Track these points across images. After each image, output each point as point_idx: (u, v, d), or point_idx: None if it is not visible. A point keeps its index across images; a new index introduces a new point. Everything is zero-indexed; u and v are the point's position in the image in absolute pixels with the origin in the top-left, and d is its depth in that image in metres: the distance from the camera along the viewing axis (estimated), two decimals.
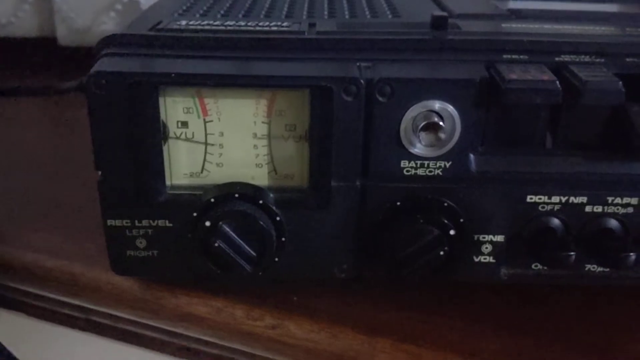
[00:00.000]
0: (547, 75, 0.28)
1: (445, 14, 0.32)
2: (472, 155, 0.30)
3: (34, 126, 0.56)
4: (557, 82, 0.27)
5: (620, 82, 0.28)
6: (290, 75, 0.28)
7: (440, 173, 0.30)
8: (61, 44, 0.71)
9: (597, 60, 0.30)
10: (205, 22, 0.33)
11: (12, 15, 0.71)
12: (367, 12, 0.37)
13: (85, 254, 0.35)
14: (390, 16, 0.36)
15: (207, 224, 0.29)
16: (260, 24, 0.33)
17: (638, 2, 0.46)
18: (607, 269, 0.31)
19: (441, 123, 0.28)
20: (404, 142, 0.29)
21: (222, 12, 0.37)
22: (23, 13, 0.72)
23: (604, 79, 0.28)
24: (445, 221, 0.30)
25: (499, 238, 0.31)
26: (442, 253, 0.29)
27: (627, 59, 0.30)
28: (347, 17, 0.36)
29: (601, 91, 0.27)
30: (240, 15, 0.36)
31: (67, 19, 0.70)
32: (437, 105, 0.28)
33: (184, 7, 0.38)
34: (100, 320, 0.38)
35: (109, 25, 0.69)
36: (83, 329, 0.39)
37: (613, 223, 0.31)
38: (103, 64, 0.28)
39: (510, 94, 0.27)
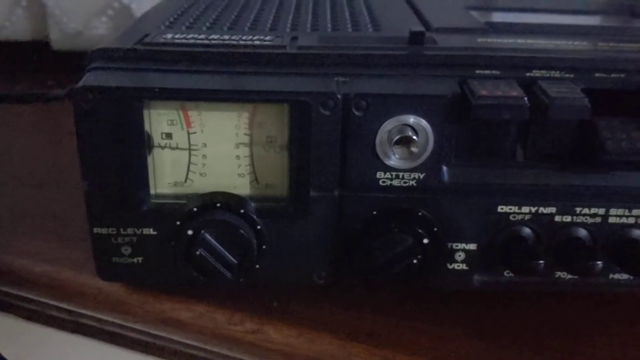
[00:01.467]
0: (517, 92, 0.29)
1: (422, 29, 0.33)
2: (445, 167, 0.31)
3: (24, 133, 0.56)
4: (526, 98, 0.28)
5: (586, 98, 0.29)
6: (270, 90, 0.30)
7: (415, 184, 0.31)
8: (54, 47, 0.72)
9: (567, 75, 0.31)
10: (190, 36, 0.34)
11: (5, 20, 0.72)
12: (349, 25, 0.39)
13: (73, 260, 0.36)
14: (371, 29, 0.37)
15: (190, 232, 0.30)
16: (244, 37, 0.34)
17: (617, 15, 0.47)
18: (576, 276, 0.33)
19: (414, 137, 0.29)
20: (380, 154, 0.30)
21: (207, 24, 0.38)
22: (16, 17, 0.73)
23: (571, 95, 0.29)
24: (419, 230, 0.31)
25: (472, 246, 0.32)
26: (415, 261, 0.31)
27: (596, 74, 0.31)
28: (329, 30, 0.37)
29: (567, 107, 0.28)
30: (225, 28, 0.37)
31: (60, 23, 0.71)
32: (411, 119, 0.30)
33: (171, 19, 0.39)
34: (88, 322, 0.39)
35: (101, 29, 0.70)
36: (72, 331, 0.40)
37: (582, 232, 0.32)
38: (89, 79, 0.30)
39: (479, 109, 0.28)
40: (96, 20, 0.70)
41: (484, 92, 0.29)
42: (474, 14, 0.42)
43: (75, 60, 0.34)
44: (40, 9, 0.71)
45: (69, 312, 0.38)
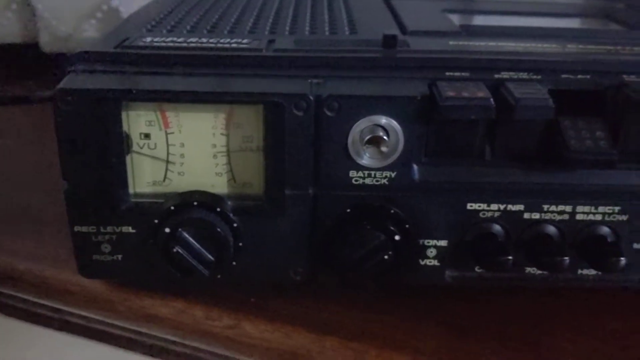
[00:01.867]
0: (483, 93, 0.30)
1: (395, 33, 0.34)
2: (415, 166, 0.32)
3: (7, 133, 0.57)
4: (491, 99, 0.29)
5: (551, 99, 0.30)
6: (245, 92, 0.30)
7: (386, 182, 0.32)
8: (44, 50, 0.73)
9: (534, 77, 0.32)
10: (170, 39, 0.35)
11: None
12: (326, 28, 0.39)
13: (56, 257, 0.37)
14: (347, 32, 0.38)
15: (167, 230, 0.31)
16: (222, 40, 0.35)
17: (593, 18, 0.48)
18: (545, 272, 0.34)
19: (385, 137, 0.30)
20: (352, 153, 0.31)
21: (188, 27, 0.39)
22: (6, 20, 0.73)
23: (536, 95, 0.30)
24: (391, 227, 0.32)
25: (443, 243, 0.33)
26: (386, 257, 0.31)
27: (562, 76, 0.32)
28: (307, 32, 0.38)
29: (532, 107, 0.29)
30: (205, 31, 0.38)
31: (50, 26, 0.72)
32: (382, 120, 0.30)
33: (153, 23, 0.40)
34: (73, 320, 0.39)
35: (90, 32, 0.71)
36: (58, 328, 0.41)
37: (550, 229, 0.33)
38: (69, 81, 0.30)
39: (446, 110, 0.29)
40: (85, 23, 0.71)
41: (451, 94, 0.29)
42: (451, 17, 0.43)
43: (64, 62, 0.35)
44: (30, 12, 0.72)
45: (55, 309, 0.39)
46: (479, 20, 0.45)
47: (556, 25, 0.42)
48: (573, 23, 0.45)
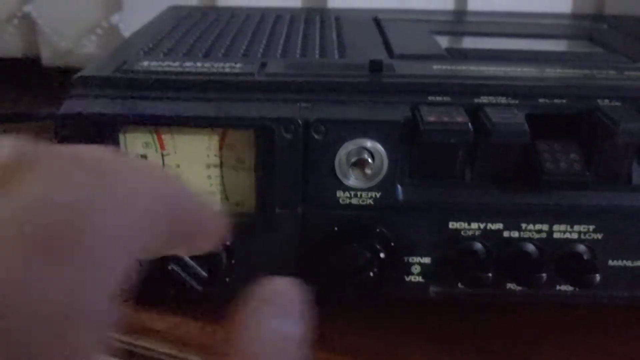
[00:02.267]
0: (462, 117, 0.31)
1: (380, 58, 0.36)
2: (399, 187, 0.33)
3: None
4: (469, 124, 0.31)
5: (526, 124, 0.31)
6: (237, 117, 0.32)
7: (372, 202, 0.33)
8: (45, 64, 0.75)
9: (512, 101, 0.34)
10: (166, 64, 0.36)
11: None
12: (317, 51, 0.41)
13: None
14: (337, 56, 0.40)
15: None
16: (216, 65, 0.36)
17: (576, 40, 0.50)
18: (524, 288, 0.35)
19: (369, 160, 0.32)
20: (339, 174, 0.33)
21: (184, 50, 0.40)
22: (8, 35, 0.75)
23: (512, 120, 0.31)
24: (377, 245, 0.33)
25: (427, 260, 0.35)
26: (372, 274, 0.33)
27: (540, 100, 0.34)
28: (298, 55, 0.40)
29: (508, 132, 0.31)
30: (200, 55, 0.40)
31: (50, 41, 0.73)
32: (367, 142, 0.32)
33: (150, 45, 0.42)
34: None
35: (90, 48, 0.72)
36: None
37: (529, 247, 0.34)
38: (69, 106, 0.32)
39: (427, 134, 0.31)
40: (85, 39, 0.72)
41: (431, 118, 0.31)
42: (438, 39, 0.44)
43: (65, 77, 0.36)
44: (31, 27, 0.74)
45: None
46: (465, 43, 0.46)
47: (538, 48, 0.44)
48: (555, 45, 0.47)
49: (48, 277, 0.13)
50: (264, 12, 0.54)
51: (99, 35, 0.72)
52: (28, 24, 0.74)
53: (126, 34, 0.68)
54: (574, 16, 0.59)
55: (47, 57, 0.74)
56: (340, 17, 0.54)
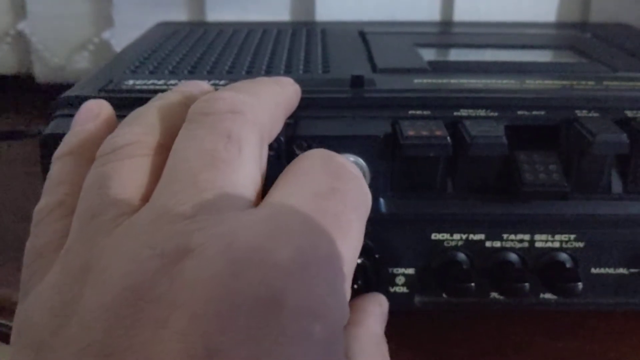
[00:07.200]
0: (441, 131, 0.32)
1: (362, 73, 0.36)
2: (382, 200, 0.34)
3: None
4: (448, 137, 0.31)
5: (504, 137, 0.32)
6: None
7: None
8: (38, 81, 0.76)
9: (491, 114, 0.34)
10: (151, 82, 0.37)
11: None
12: (301, 67, 0.42)
13: None
14: (320, 71, 0.41)
15: None
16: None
17: (560, 50, 0.50)
18: (507, 297, 0.35)
19: None
20: None
21: (170, 68, 0.41)
22: (2, 52, 0.76)
23: (490, 133, 0.32)
24: (361, 258, 0.34)
25: (411, 271, 0.35)
26: (356, 287, 0.33)
27: (519, 112, 0.34)
28: (282, 72, 0.41)
29: (486, 145, 0.32)
30: (185, 72, 0.40)
31: (43, 58, 0.74)
32: (349, 157, 0.33)
33: (137, 63, 0.42)
34: None
35: (83, 63, 0.73)
36: None
37: (512, 256, 0.35)
38: (53, 126, 0.33)
39: (407, 148, 0.31)
40: (77, 55, 0.73)
41: (411, 133, 0.32)
42: (421, 52, 0.45)
43: (58, 93, 0.37)
44: (25, 44, 0.74)
45: None
46: (449, 55, 0.47)
47: (521, 59, 0.44)
48: (538, 56, 0.47)
49: None
50: (251, 28, 0.55)
51: (91, 51, 0.72)
52: (21, 41, 0.74)
53: (118, 49, 0.68)
54: (559, 25, 0.60)
55: (41, 73, 0.75)
56: (327, 30, 0.54)
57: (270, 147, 0.32)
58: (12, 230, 0.47)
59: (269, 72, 0.40)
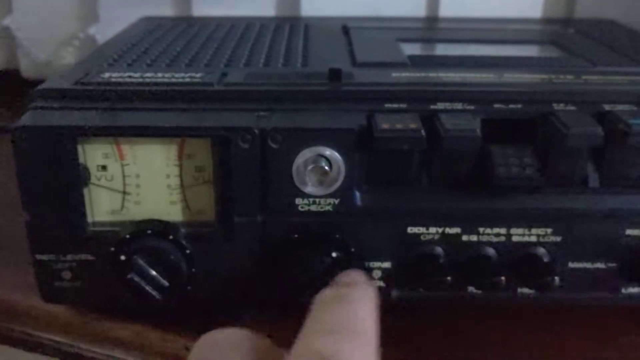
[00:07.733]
0: (415, 125, 0.32)
1: (339, 67, 0.36)
2: (357, 193, 0.33)
3: None
4: (422, 131, 0.31)
5: (478, 130, 0.32)
6: (193, 126, 0.32)
7: (331, 209, 0.33)
8: (24, 76, 0.75)
9: (468, 107, 0.34)
10: (127, 75, 0.37)
11: None
12: (280, 60, 0.41)
13: (24, 284, 0.39)
14: (299, 65, 0.40)
15: (122, 258, 0.33)
16: (176, 75, 0.37)
17: (542, 45, 0.50)
18: (484, 291, 0.35)
19: (326, 167, 0.32)
20: (297, 182, 0.33)
21: (148, 61, 0.41)
22: None
23: (465, 127, 0.32)
24: (337, 251, 0.34)
25: (387, 264, 0.35)
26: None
27: (495, 105, 0.34)
28: (261, 65, 0.40)
29: (460, 138, 0.31)
30: (163, 65, 0.40)
31: (29, 53, 0.74)
32: (324, 150, 0.32)
33: (115, 57, 0.42)
34: (44, 342, 0.41)
35: (68, 59, 0.73)
36: (31, 349, 0.42)
37: (489, 250, 0.35)
38: (27, 118, 0.32)
39: (380, 141, 0.31)
40: (63, 50, 0.73)
41: (385, 126, 0.31)
42: (403, 46, 0.45)
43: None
44: (10, 40, 0.74)
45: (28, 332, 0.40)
46: (430, 50, 0.47)
47: (502, 53, 0.44)
48: (519, 50, 0.47)
49: None
50: (234, 22, 0.55)
51: (76, 46, 0.72)
52: (7, 37, 0.74)
53: None
54: (543, 21, 0.60)
55: (27, 69, 0.75)
56: (310, 25, 0.54)
57: (244, 139, 0.32)
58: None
59: (248, 65, 0.40)
